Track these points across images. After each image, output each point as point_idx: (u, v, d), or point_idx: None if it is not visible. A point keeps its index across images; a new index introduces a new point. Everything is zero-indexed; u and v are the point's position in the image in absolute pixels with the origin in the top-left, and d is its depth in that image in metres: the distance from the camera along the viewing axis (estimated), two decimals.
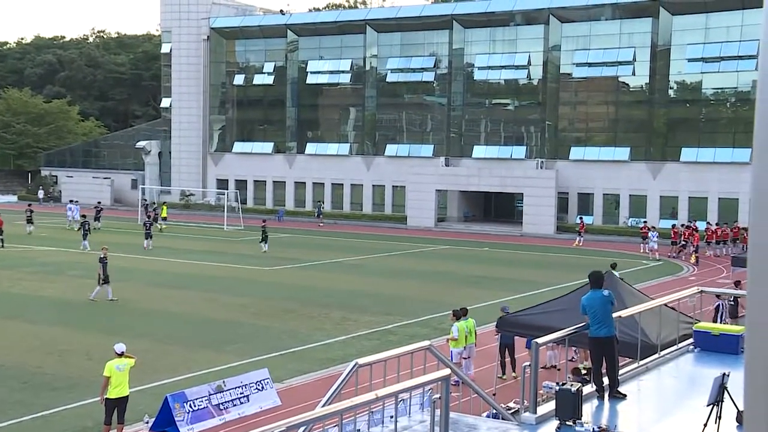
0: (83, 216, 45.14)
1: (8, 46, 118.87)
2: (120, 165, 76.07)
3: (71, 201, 55.84)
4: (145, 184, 69.00)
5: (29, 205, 54.09)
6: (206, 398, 15.88)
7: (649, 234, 43.59)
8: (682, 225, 46.13)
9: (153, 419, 15.40)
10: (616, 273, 27.95)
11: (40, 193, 73.30)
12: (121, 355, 14.83)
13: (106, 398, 14.55)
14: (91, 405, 16.61)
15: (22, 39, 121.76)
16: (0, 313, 25.31)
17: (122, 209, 67.54)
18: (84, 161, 78.49)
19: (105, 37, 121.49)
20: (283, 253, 42.04)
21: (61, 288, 30.15)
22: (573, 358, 18.63)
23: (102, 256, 27.77)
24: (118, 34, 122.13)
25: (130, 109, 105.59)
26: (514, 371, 19.03)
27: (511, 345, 18.94)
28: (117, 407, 14.59)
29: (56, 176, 77.92)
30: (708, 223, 47.78)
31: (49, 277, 32.65)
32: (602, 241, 50.36)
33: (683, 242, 43.63)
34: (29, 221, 47.95)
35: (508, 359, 19.16)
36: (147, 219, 45.48)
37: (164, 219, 54.02)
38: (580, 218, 51.98)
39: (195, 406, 15.62)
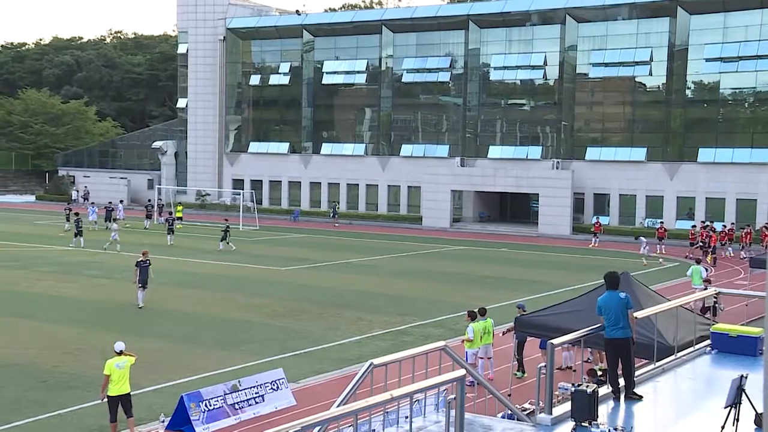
0: (76, 214, 45.33)
1: (27, 47, 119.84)
2: (136, 165, 76.45)
3: (93, 203, 56.61)
4: (162, 184, 69.31)
5: (68, 203, 55.43)
6: (221, 398, 15.92)
7: (640, 238, 42.47)
8: (709, 227, 45.24)
9: (169, 418, 15.46)
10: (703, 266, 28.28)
11: (74, 194, 73.01)
12: (120, 353, 14.94)
13: (108, 396, 14.74)
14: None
15: (40, 40, 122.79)
16: (17, 313, 25.51)
17: (138, 209, 67.83)
18: (101, 161, 78.92)
19: (122, 37, 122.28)
20: (297, 253, 42.11)
21: (78, 288, 30.33)
22: (588, 359, 18.55)
23: (140, 260, 26.90)
24: (135, 34, 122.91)
25: (146, 109, 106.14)
26: (518, 371, 18.91)
27: (522, 344, 18.88)
28: (121, 404, 14.75)
29: (73, 176, 78.39)
30: (732, 224, 47.44)
31: (65, 276, 32.85)
32: (619, 241, 50.09)
33: (701, 243, 43.21)
34: (68, 219, 48.89)
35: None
36: (169, 216, 47.84)
37: (179, 219, 54.28)
38: (597, 219, 51.75)
39: (210, 405, 15.67)
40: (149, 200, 61.18)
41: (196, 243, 45.70)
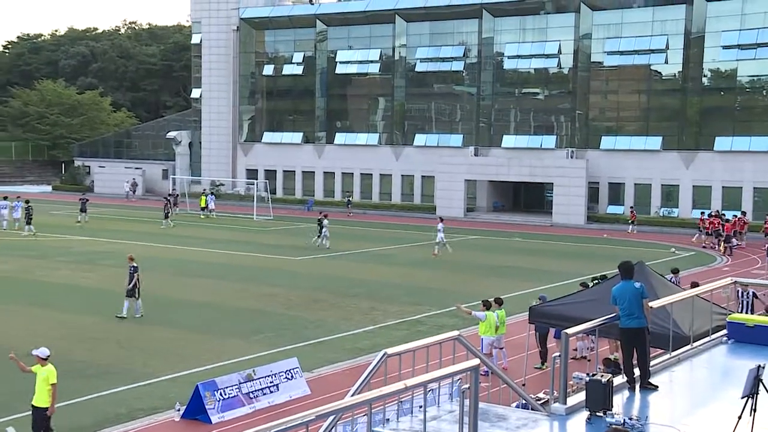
0: (27, 201, 45.24)
1: (43, 38, 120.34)
2: (151, 155, 76.72)
3: (18, 198, 50.29)
4: (176, 174, 69.54)
5: (170, 196, 55.94)
6: (236, 387, 16.00)
7: (438, 225, 39.33)
8: (734, 215, 44.78)
9: (184, 407, 15.54)
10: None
11: (125, 185, 71.16)
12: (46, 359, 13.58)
13: (42, 407, 13.45)
14: (123, 392, 16.83)
15: (56, 31, 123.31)
16: (33, 302, 25.69)
17: (153, 199, 68.14)
18: (116, 152, 79.27)
19: (136, 28, 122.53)
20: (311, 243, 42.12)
21: (94, 278, 30.50)
22: (591, 347, 18.37)
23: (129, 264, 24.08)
24: (149, 25, 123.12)
25: (160, 99, 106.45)
26: (542, 363, 18.81)
27: (544, 335, 18.74)
28: (41, 418, 13.42)
29: (89, 167, 78.79)
30: (743, 212, 47.05)
31: (83, 266, 33.04)
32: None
33: (713, 232, 42.78)
34: (166, 215, 48.59)
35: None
36: (168, 200, 51.20)
37: (203, 209, 55.24)
38: (632, 208, 51.84)
39: (225, 394, 15.75)
40: (174, 189, 61.57)
41: (211, 233, 45.84)
